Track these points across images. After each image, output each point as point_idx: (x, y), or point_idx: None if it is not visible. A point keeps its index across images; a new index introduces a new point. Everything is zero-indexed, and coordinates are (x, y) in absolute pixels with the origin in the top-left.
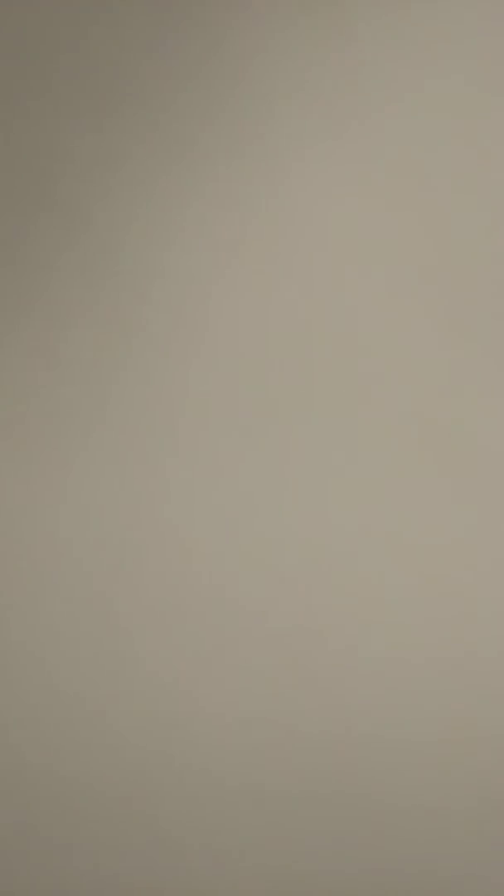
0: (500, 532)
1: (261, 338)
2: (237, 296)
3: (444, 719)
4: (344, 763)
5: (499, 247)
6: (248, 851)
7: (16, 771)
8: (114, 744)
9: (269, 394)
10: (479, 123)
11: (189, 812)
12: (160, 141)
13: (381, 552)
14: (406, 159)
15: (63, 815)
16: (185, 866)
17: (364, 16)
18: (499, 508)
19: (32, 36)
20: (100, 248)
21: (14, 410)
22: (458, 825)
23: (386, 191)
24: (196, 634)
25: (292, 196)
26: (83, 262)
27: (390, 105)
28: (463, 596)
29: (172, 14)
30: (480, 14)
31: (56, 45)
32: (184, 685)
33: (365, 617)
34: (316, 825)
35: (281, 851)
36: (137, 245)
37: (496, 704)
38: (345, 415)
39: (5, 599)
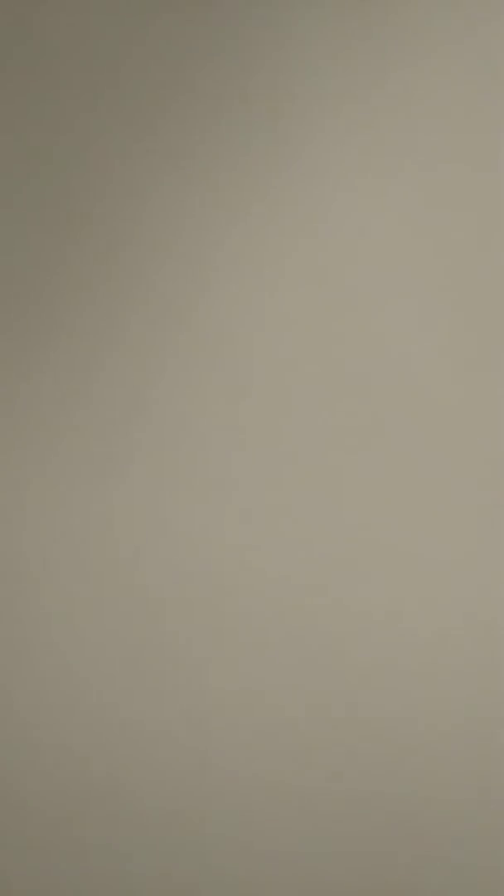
0: None
1: (284, 361)
2: (264, 323)
3: (455, 725)
4: (369, 767)
5: None
6: (266, 847)
7: (25, 774)
8: (119, 749)
9: (294, 412)
10: None
11: (225, 817)
12: (191, 173)
13: (397, 567)
14: (429, 171)
15: (91, 818)
16: (204, 863)
17: (392, 21)
18: None
19: (58, 55)
20: (128, 277)
21: (45, 437)
22: (459, 821)
23: (408, 203)
24: (205, 639)
25: (329, 226)
26: (111, 290)
27: (415, 115)
28: (482, 611)
29: (201, 43)
30: None
31: (82, 65)
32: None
33: (393, 641)
34: (334, 824)
35: (299, 847)
36: (165, 274)
37: None
38: (359, 431)
39: (41, 615)
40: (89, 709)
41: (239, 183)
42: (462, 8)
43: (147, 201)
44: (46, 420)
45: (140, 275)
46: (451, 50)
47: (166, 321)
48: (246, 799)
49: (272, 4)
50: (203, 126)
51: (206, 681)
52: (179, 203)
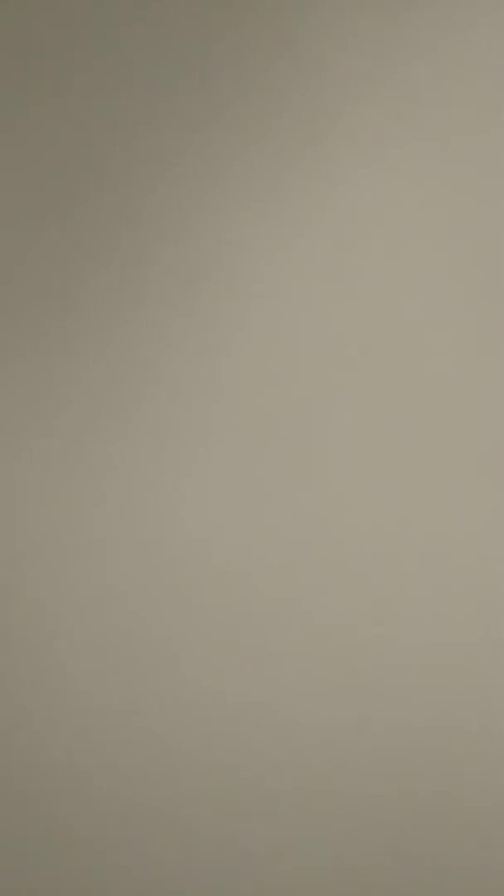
0: None
1: (284, 349)
2: (276, 308)
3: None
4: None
5: None
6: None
7: (27, 770)
8: (140, 749)
9: (289, 402)
10: None
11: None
12: (192, 170)
13: (416, 556)
14: (447, 147)
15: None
16: (217, 867)
17: (431, 20)
18: None
19: (57, 30)
20: (131, 267)
21: (50, 419)
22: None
23: (424, 178)
24: (219, 633)
25: (343, 202)
26: (115, 275)
27: (431, 94)
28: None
29: (210, 10)
30: None
31: (82, 35)
32: (213, 685)
33: (401, 624)
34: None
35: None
36: (166, 264)
37: None
38: (376, 421)
39: (44, 602)
40: (84, 711)
41: (252, 160)
42: None
43: (153, 181)
44: (35, 401)
45: (144, 257)
46: (476, 28)
47: (167, 304)
48: (244, 800)
49: None
50: (211, 110)
51: (205, 683)
52: (186, 186)
